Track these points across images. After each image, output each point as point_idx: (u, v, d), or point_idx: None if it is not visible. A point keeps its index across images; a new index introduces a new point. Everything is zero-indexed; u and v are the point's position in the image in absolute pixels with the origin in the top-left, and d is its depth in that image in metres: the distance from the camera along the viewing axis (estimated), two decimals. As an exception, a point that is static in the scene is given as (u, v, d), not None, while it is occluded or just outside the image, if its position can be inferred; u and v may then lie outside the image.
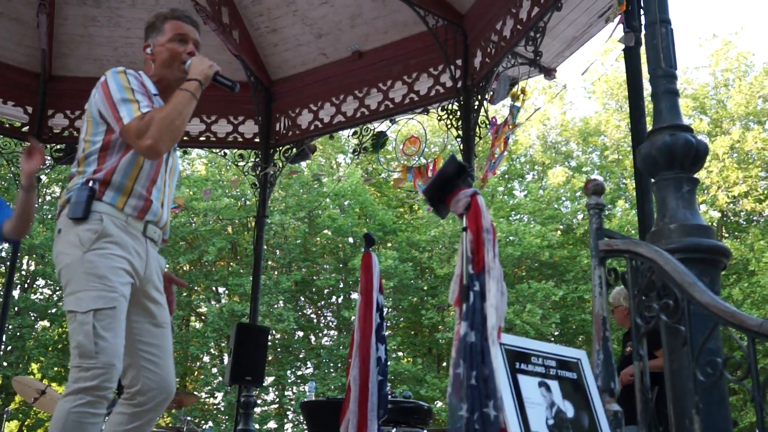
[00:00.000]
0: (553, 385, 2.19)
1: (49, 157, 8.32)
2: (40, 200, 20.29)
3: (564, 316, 19.59)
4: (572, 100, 35.27)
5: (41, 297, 20.92)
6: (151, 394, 2.73)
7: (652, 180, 2.54)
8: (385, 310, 20.29)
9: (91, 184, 2.72)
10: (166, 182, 2.92)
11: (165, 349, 2.84)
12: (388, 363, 3.79)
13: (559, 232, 21.62)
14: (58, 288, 21.24)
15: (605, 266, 2.33)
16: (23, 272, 20.78)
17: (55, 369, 19.24)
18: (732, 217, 22.33)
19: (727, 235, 21.64)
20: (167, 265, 3.02)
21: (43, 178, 8.76)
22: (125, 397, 2.75)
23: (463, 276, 1.96)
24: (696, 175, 2.49)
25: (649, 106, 5.18)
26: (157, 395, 2.75)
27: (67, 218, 2.69)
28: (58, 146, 8.29)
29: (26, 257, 20.41)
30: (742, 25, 28.83)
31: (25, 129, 8.21)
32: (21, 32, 7.85)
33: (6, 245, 3.98)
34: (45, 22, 7.29)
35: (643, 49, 4.47)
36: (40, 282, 21.22)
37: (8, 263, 8.33)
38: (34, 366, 19.47)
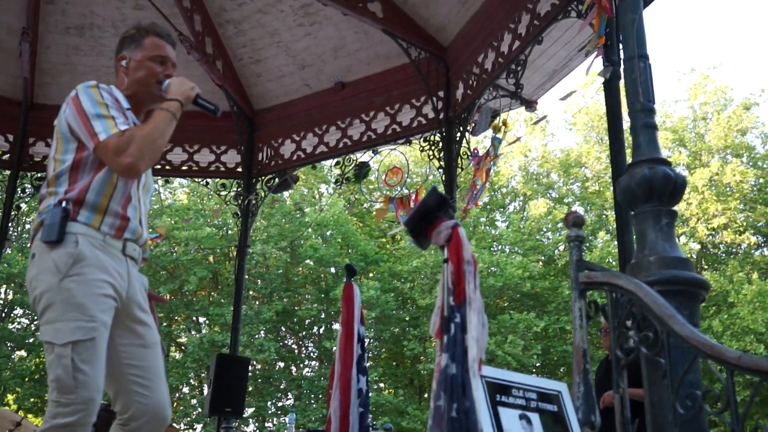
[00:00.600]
0: (534, 417, 2.19)
1: (29, 185, 8.28)
2: (19, 229, 20.15)
3: (545, 347, 19.59)
4: (553, 132, 35.60)
5: (19, 326, 20.69)
6: (144, 419, 2.60)
7: (632, 212, 2.56)
8: (367, 341, 20.19)
9: (64, 204, 2.59)
10: (140, 199, 2.81)
11: (155, 370, 2.70)
12: (370, 394, 3.77)
13: (540, 263, 21.69)
14: (36, 317, 21.01)
15: (585, 298, 2.35)
16: (0, 301, 20.55)
17: (32, 400, 18.96)
18: (711, 249, 22.52)
19: (706, 266, 21.81)
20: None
21: (23, 206, 8.70)
22: (119, 422, 2.63)
23: (444, 308, 1.96)
24: (675, 208, 2.51)
25: (628, 138, 5.24)
26: (151, 420, 2.62)
27: (41, 242, 2.56)
28: (39, 174, 8.25)
29: (4, 286, 20.20)
30: (721, 60, 29.37)
31: (6, 157, 8.17)
32: (3, 60, 7.84)
33: None
34: (28, 51, 7.29)
35: (622, 82, 4.55)
36: (18, 311, 20.98)
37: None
38: (10, 397, 19.19)
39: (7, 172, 8.24)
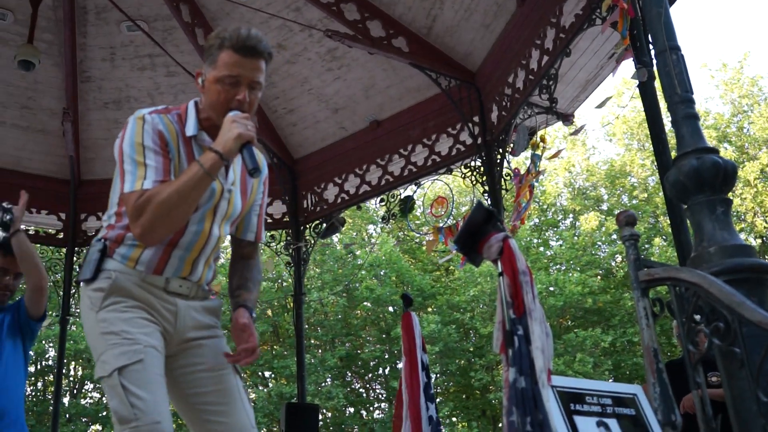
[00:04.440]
0: (612, 423, 2.13)
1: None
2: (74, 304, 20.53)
3: (616, 362, 19.21)
4: (594, 145, 35.28)
5: (91, 401, 20.99)
6: None
7: (684, 206, 2.50)
8: (433, 375, 20.03)
9: (104, 241, 2.43)
10: (210, 231, 2.47)
11: (225, 393, 2.42)
12: (442, 428, 3.71)
13: (599, 277, 21.37)
14: (106, 391, 21.32)
15: (648, 297, 2.29)
16: (71, 378, 20.90)
17: (110, 473, 19.16)
18: (773, 242, 21.95)
19: (770, 260, 21.24)
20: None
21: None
22: None
23: (505, 322, 1.93)
24: (730, 203, 2.45)
25: (671, 141, 5.15)
26: None
27: (80, 281, 2.42)
28: (93, 248, 8.43)
29: (73, 363, 20.56)
30: (747, 50, 28.96)
31: (60, 236, 8.38)
32: (48, 142, 8.09)
33: (43, 326, 3.99)
34: (70, 130, 7.49)
35: (657, 83, 4.49)
36: (89, 386, 21.32)
37: (56, 371, 8.37)
38: (89, 472, 19.41)
39: (64, 250, 8.45)
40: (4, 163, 8.06)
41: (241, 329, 2.47)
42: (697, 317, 2.14)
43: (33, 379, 20.19)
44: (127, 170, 2.31)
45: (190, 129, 2.45)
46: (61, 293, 8.39)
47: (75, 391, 20.87)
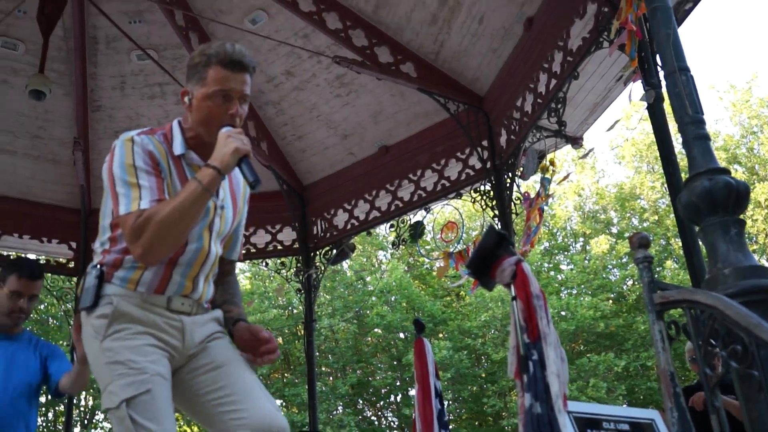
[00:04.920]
0: (629, 449, 2.10)
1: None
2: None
3: (630, 387, 19.01)
4: (603, 168, 35.24)
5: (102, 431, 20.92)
6: None
7: (697, 228, 2.48)
8: (446, 402, 19.89)
9: (100, 267, 2.38)
10: (209, 248, 2.46)
11: (241, 384, 2.34)
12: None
13: (611, 301, 21.23)
14: (117, 420, 21.25)
15: (664, 320, 2.26)
16: (82, 408, 20.83)
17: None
18: (786, 264, 21.79)
19: (784, 282, 21.04)
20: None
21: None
22: None
23: (519, 346, 1.91)
24: (744, 224, 2.42)
25: (681, 162, 5.11)
26: None
27: (81, 310, 2.38)
28: (104, 278, 8.42)
29: (84, 392, 20.50)
30: (755, 71, 28.99)
31: (71, 265, 8.39)
32: (59, 172, 8.12)
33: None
34: (81, 159, 7.53)
35: (667, 104, 4.47)
36: (100, 416, 21.24)
37: (66, 400, 8.36)
38: (100, 503, 19.27)
39: (75, 279, 8.46)
40: (15, 193, 8.09)
41: (260, 338, 2.49)
42: (713, 341, 2.11)
43: (44, 409, 20.14)
44: (120, 193, 2.29)
45: (178, 148, 2.45)
46: (72, 323, 8.37)
47: (86, 422, 20.79)
